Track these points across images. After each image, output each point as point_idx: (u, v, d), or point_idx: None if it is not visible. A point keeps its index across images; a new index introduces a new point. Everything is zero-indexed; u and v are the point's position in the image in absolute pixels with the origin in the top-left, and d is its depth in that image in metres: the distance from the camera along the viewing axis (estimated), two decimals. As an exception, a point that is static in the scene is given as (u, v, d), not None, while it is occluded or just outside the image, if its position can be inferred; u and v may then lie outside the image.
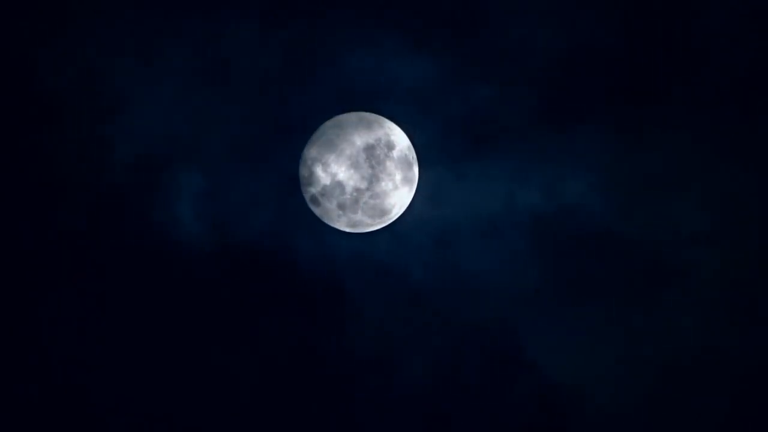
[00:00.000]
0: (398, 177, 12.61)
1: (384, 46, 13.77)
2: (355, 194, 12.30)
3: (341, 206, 12.44)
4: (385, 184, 12.48)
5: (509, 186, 13.81)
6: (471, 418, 13.84)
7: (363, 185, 12.30)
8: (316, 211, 12.79)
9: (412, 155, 12.95)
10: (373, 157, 12.34)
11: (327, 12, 13.72)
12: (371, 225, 12.88)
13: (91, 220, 13.52)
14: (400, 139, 12.88)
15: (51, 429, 13.55)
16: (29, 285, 13.41)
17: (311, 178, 12.57)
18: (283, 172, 13.60)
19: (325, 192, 12.46)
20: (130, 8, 13.53)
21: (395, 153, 12.58)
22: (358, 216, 12.55)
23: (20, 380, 13.47)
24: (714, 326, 13.82)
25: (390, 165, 12.47)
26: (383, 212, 12.72)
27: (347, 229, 12.88)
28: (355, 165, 12.24)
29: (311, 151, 12.55)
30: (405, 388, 13.89)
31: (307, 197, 12.66)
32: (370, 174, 12.32)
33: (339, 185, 12.31)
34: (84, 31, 13.47)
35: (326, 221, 12.83)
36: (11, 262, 13.37)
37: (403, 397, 13.88)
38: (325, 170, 12.36)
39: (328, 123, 12.63)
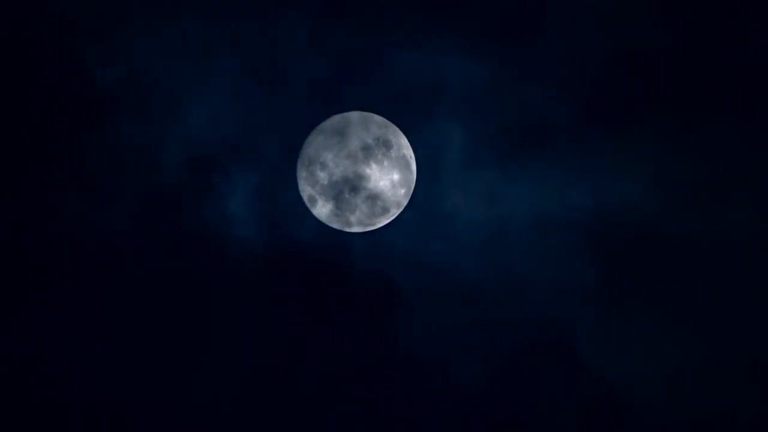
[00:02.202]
0: (396, 177, 12.63)
1: (435, 47, 13.84)
2: (353, 194, 12.33)
3: (339, 206, 12.49)
4: (383, 184, 12.49)
5: (561, 186, 13.88)
6: (525, 417, 13.86)
7: (361, 185, 12.32)
8: (314, 210, 12.86)
9: (410, 154, 12.96)
10: (371, 157, 12.36)
11: (377, 12, 13.78)
12: (369, 225, 12.91)
13: (142, 220, 13.65)
14: (398, 138, 12.88)
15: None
16: (80, 283, 13.54)
17: (309, 178, 12.64)
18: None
19: (323, 191, 12.53)
20: (182, 8, 13.69)
21: (393, 152, 12.59)
22: (356, 216, 12.59)
23: (76, 374, 13.71)
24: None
25: (388, 164, 12.48)
26: (381, 212, 12.73)
27: (345, 229, 12.95)
28: (352, 164, 12.27)
29: (309, 151, 12.62)
30: (459, 387, 13.91)
31: (304, 196, 12.76)
32: (368, 173, 12.34)
33: (337, 185, 12.35)
34: (137, 31, 13.63)
35: (324, 221, 12.89)
36: (62, 260, 13.49)
37: (457, 395, 13.90)
38: (323, 170, 12.42)
39: (326, 122, 12.70)
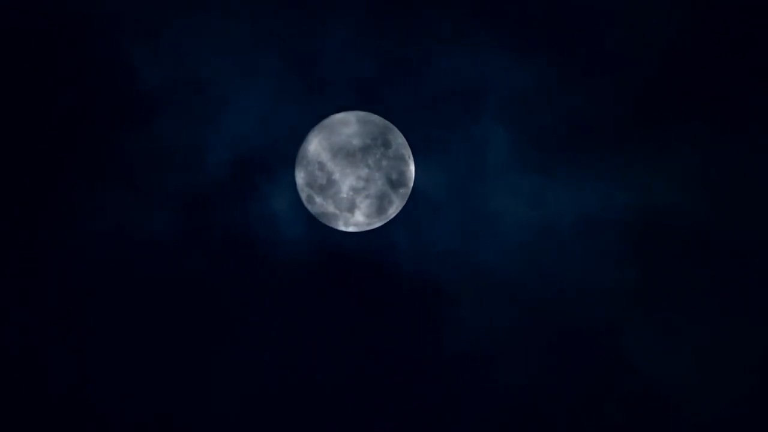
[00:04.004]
0: (394, 176, 12.51)
1: (481, 49, 13.81)
2: (351, 194, 12.28)
3: (338, 206, 12.45)
4: (382, 183, 12.39)
5: (606, 187, 13.83)
6: (568, 418, 13.80)
7: (359, 185, 12.26)
8: (312, 210, 12.84)
9: (408, 154, 12.83)
10: (370, 156, 12.28)
11: (423, 13, 13.74)
12: (368, 225, 12.83)
13: (186, 220, 13.68)
14: (396, 137, 12.76)
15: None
16: (123, 282, 13.55)
17: (308, 178, 12.62)
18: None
19: (322, 192, 12.49)
20: (228, 10, 13.72)
21: (391, 152, 12.47)
22: (355, 215, 12.53)
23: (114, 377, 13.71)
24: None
25: (386, 164, 12.37)
26: (380, 211, 12.65)
27: (344, 229, 12.90)
28: (351, 164, 12.22)
29: (307, 151, 12.60)
30: (504, 386, 13.87)
31: (303, 196, 12.73)
32: (366, 173, 12.27)
33: (335, 185, 12.31)
34: (183, 31, 13.67)
35: (323, 221, 12.85)
36: (106, 258, 13.51)
37: (501, 396, 13.87)
38: (321, 170, 12.38)
39: (324, 122, 12.65)
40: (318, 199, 12.51)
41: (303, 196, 12.69)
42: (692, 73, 13.80)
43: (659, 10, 13.80)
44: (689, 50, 13.80)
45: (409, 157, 12.77)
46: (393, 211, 12.78)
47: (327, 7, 13.78)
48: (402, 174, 12.65)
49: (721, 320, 13.70)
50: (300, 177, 12.64)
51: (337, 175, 12.15)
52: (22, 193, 13.58)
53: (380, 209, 12.46)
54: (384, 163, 12.20)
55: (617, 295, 13.78)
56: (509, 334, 13.83)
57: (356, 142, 12.26)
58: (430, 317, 13.88)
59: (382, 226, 13.24)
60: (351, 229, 12.81)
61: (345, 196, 12.21)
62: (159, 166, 13.60)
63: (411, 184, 12.88)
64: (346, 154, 12.06)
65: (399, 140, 12.64)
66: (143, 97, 13.67)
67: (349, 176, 12.16)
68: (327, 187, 12.36)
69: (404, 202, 12.83)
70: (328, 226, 13.28)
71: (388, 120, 13.13)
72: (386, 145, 12.34)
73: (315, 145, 12.51)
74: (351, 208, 12.26)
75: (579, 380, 13.79)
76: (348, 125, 12.40)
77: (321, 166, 12.26)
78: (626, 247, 13.77)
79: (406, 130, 13.29)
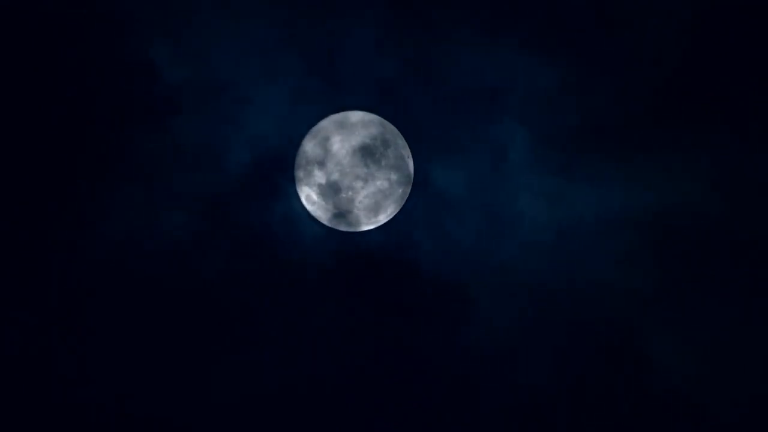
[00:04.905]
0: (393, 176, 12.43)
1: (501, 49, 13.83)
2: (350, 193, 12.23)
3: (336, 205, 12.42)
4: (381, 183, 12.31)
5: (625, 188, 13.81)
6: (591, 417, 13.77)
7: (358, 184, 12.21)
8: (311, 209, 12.82)
9: (408, 154, 12.72)
10: (369, 156, 12.21)
11: (444, 14, 13.76)
12: (367, 224, 12.78)
13: (206, 219, 13.78)
14: (395, 137, 12.67)
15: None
16: (140, 284, 13.67)
17: (307, 178, 12.62)
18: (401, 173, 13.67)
19: (321, 191, 12.47)
20: (248, 10, 13.84)
21: (391, 152, 12.39)
22: (354, 215, 12.49)
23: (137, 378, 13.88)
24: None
25: (386, 163, 12.29)
26: (379, 211, 12.58)
27: (344, 229, 12.85)
28: (350, 164, 12.17)
29: (306, 150, 12.58)
30: (522, 386, 13.89)
31: (302, 196, 12.72)
32: (365, 173, 12.21)
33: (334, 185, 12.28)
34: (204, 32, 13.77)
35: (322, 220, 12.83)
36: (125, 259, 13.63)
37: (519, 393, 13.88)
38: (320, 169, 12.36)
39: (323, 122, 12.63)
40: (318, 200, 12.53)
41: (303, 196, 12.72)
42: (713, 74, 13.68)
43: (678, 12, 13.69)
44: (709, 52, 13.68)
45: (408, 157, 12.71)
46: (394, 210, 12.76)
47: (347, 8, 13.79)
48: (402, 172, 12.62)
49: (741, 319, 13.55)
50: (299, 177, 12.67)
51: (336, 175, 12.14)
52: (40, 193, 13.80)
53: (381, 207, 12.44)
54: (383, 162, 12.17)
55: (637, 294, 13.72)
56: (528, 333, 13.84)
57: (355, 141, 12.24)
58: (449, 316, 13.85)
59: (404, 224, 13.24)
60: (351, 228, 12.80)
61: (345, 195, 12.19)
62: (178, 166, 13.75)
63: (411, 179, 12.85)
64: (346, 154, 12.05)
65: (399, 140, 12.59)
66: (164, 96, 13.81)
67: (349, 175, 12.15)
68: (327, 187, 12.36)
69: (404, 201, 12.80)
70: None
71: (408, 121, 13.14)
72: (385, 144, 12.30)
73: (313, 146, 12.51)
74: (351, 207, 12.24)
75: (598, 379, 13.74)
76: (349, 125, 12.41)
77: (320, 165, 12.28)
78: (646, 247, 13.70)
79: (426, 130, 13.28)
